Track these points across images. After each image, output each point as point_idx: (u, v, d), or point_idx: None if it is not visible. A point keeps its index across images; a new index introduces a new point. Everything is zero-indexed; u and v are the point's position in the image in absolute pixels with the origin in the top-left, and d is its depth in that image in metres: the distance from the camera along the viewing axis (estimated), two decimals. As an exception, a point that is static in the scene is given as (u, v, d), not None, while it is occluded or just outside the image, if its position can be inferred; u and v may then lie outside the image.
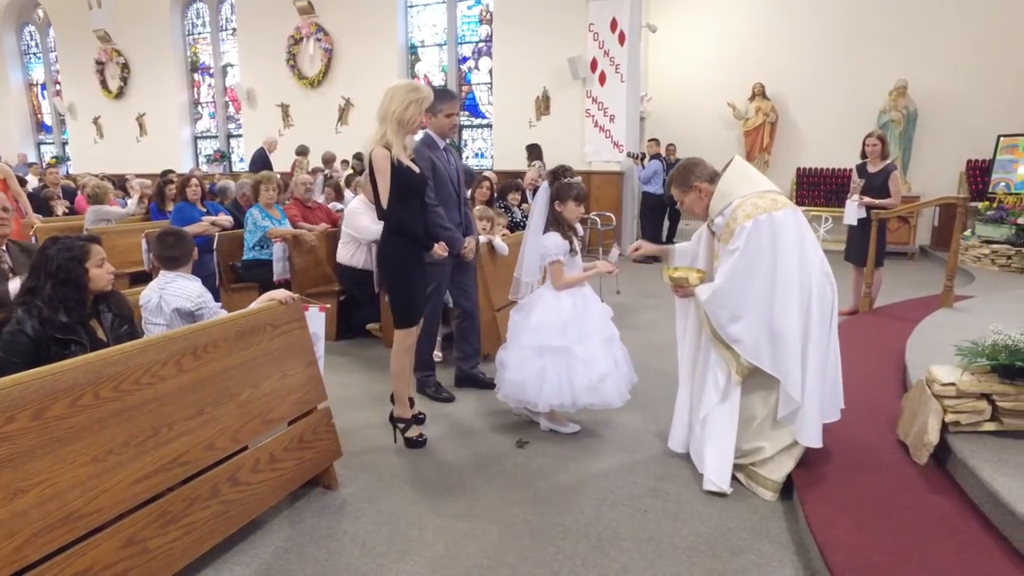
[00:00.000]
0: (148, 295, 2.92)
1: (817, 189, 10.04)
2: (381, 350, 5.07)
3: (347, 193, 7.31)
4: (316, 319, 2.92)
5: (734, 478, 2.85)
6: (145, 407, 2.10)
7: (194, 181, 5.90)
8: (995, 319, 2.89)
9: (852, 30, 9.73)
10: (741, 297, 2.68)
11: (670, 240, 10.44)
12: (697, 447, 2.96)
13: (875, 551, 2.18)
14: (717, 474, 2.80)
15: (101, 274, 2.39)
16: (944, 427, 2.68)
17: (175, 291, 2.93)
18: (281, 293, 2.81)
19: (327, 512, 2.73)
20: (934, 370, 2.79)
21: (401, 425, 3.37)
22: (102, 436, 1.96)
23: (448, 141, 3.84)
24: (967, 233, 7.91)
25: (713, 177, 2.92)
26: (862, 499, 2.52)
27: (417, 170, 3.25)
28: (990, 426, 2.65)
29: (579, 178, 3.37)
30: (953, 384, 2.66)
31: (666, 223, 10.19)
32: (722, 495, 2.79)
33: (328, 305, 3.30)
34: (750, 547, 2.44)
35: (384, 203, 3.17)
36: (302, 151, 10.61)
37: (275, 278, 5.15)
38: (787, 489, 2.78)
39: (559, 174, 3.34)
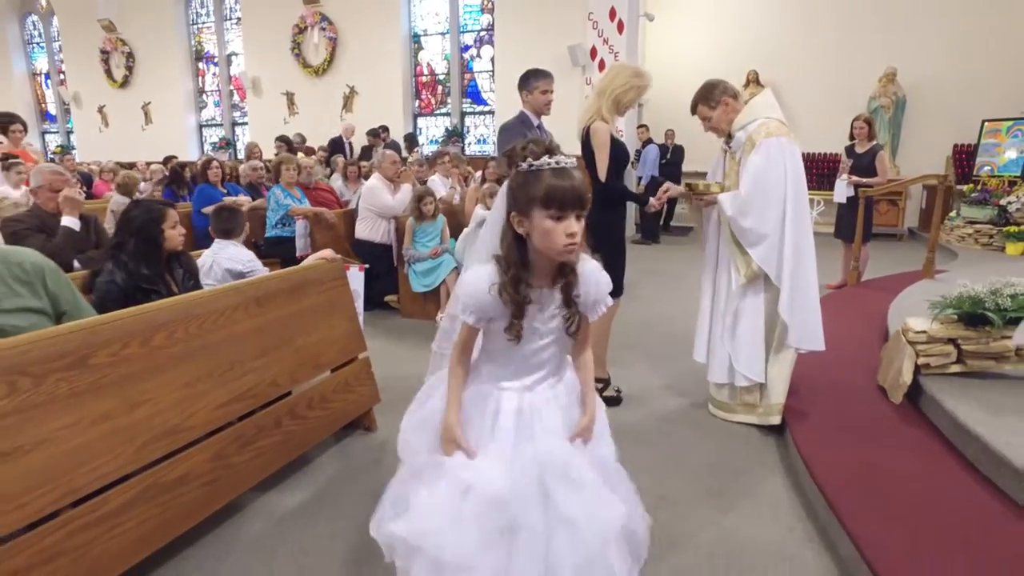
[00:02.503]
0: (204, 259, 3.25)
1: (808, 173, 10.29)
2: (400, 320, 5.40)
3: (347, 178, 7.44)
4: (356, 278, 3.25)
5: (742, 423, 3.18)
6: (223, 344, 2.43)
7: (215, 163, 6.21)
8: (971, 285, 3.23)
9: (843, 18, 10.04)
10: (759, 202, 2.98)
11: (666, 225, 10.79)
12: (722, 347, 3.18)
13: (852, 464, 2.53)
14: (748, 366, 3.08)
15: (175, 235, 2.70)
16: (917, 370, 3.03)
17: (228, 255, 3.26)
18: (327, 252, 3.13)
19: (370, 448, 3.06)
20: (909, 321, 3.14)
21: (599, 385, 3.38)
22: (191, 366, 2.28)
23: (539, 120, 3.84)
24: (952, 214, 8.27)
25: (736, 95, 3.19)
26: (844, 429, 2.87)
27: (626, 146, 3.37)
28: (956, 368, 2.99)
29: (562, 160, 1.47)
30: (924, 331, 3.01)
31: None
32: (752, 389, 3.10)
33: (367, 265, 3.61)
34: (747, 470, 2.79)
35: (602, 175, 3.22)
36: (373, 133, 10.54)
37: (297, 254, 5.45)
38: (779, 428, 3.14)
39: (512, 156, 1.51)
